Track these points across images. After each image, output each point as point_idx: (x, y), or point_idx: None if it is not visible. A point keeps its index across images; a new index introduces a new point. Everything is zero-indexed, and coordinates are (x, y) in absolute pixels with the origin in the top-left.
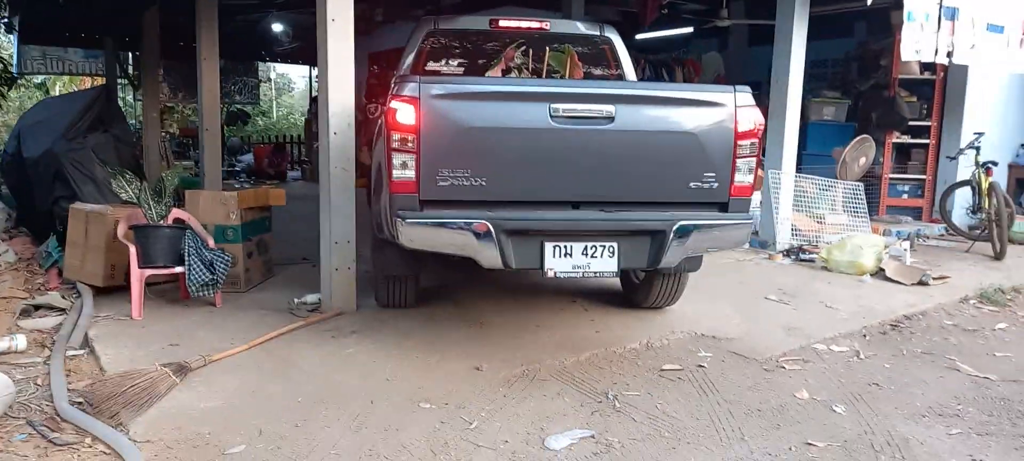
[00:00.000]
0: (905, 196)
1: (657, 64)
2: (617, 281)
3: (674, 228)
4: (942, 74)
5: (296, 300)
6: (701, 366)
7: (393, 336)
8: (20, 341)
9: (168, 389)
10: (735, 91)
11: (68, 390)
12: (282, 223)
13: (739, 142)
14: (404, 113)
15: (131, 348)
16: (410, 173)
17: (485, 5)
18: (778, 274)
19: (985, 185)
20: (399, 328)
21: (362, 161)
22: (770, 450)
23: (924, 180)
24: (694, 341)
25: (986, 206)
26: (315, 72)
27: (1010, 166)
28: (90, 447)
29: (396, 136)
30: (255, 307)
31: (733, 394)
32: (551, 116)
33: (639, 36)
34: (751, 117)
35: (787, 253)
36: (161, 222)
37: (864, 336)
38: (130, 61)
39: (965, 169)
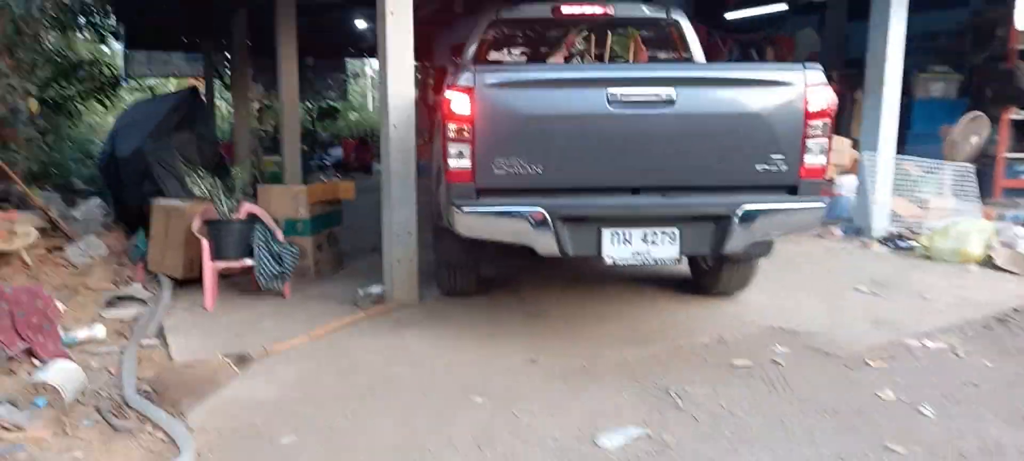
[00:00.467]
0: None
1: (746, 44)
2: (687, 268)
3: (739, 212)
4: None
5: (361, 291)
6: (775, 362)
7: (452, 328)
8: (100, 330)
9: (228, 379)
10: (805, 69)
11: (137, 379)
12: (358, 215)
13: (810, 122)
14: (459, 103)
15: (200, 338)
16: (466, 162)
17: None
18: (872, 263)
19: None
20: (459, 319)
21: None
22: (842, 453)
23: None
24: (770, 335)
25: None
26: None
27: None
28: (150, 434)
29: (452, 126)
30: (322, 298)
31: (808, 392)
32: (608, 101)
33: (729, 15)
34: (822, 96)
35: (884, 241)
36: (231, 217)
37: (963, 331)
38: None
39: None
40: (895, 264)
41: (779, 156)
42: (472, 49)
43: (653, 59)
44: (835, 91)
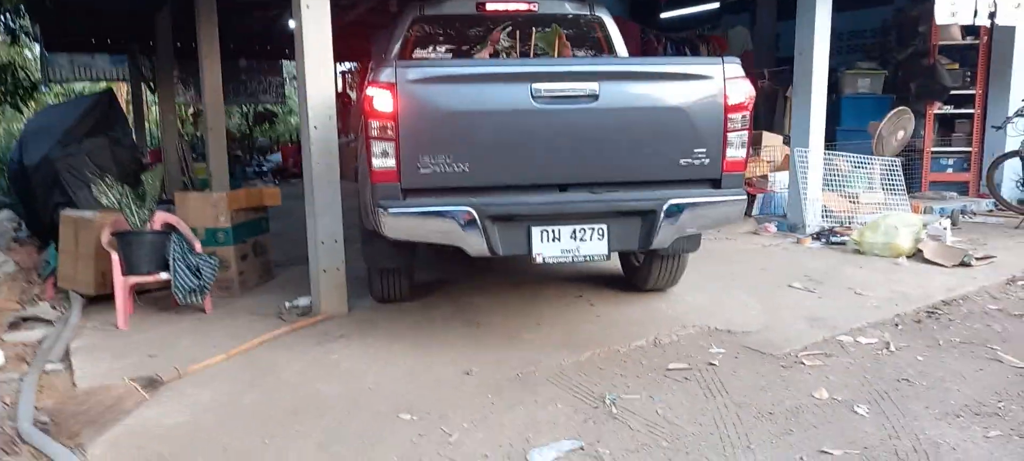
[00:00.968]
0: (950, 171)
1: (680, 43)
2: (619, 265)
3: (664, 207)
4: (986, 38)
5: (287, 304)
6: (712, 364)
7: (382, 339)
8: None
9: (136, 405)
10: (724, 62)
11: (36, 408)
12: (293, 222)
13: (730, 115)
14: (381, 100)
15: (108, 361)
16: (391, 161)
17: None
18: (806, 259)
19: None
20: (389, 330)
21: None
22: (778, 460)
23: (970, 152)
24: (707, 336)
25: None
26: (341, 69)
27: None
28: None
29: (375, 124)
30: (246, 313)
31: (743, 395)
32: (533, 96)
33: (664, 14)
34: (741, 89)
35: (817, 236)
36: (144, 227)
37: (896, 325)
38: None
39: (1014, 139)
40: (828, 259)
41: (701, 150)
42: (396, 47)
43: (578, 56)
44: (768, 89)
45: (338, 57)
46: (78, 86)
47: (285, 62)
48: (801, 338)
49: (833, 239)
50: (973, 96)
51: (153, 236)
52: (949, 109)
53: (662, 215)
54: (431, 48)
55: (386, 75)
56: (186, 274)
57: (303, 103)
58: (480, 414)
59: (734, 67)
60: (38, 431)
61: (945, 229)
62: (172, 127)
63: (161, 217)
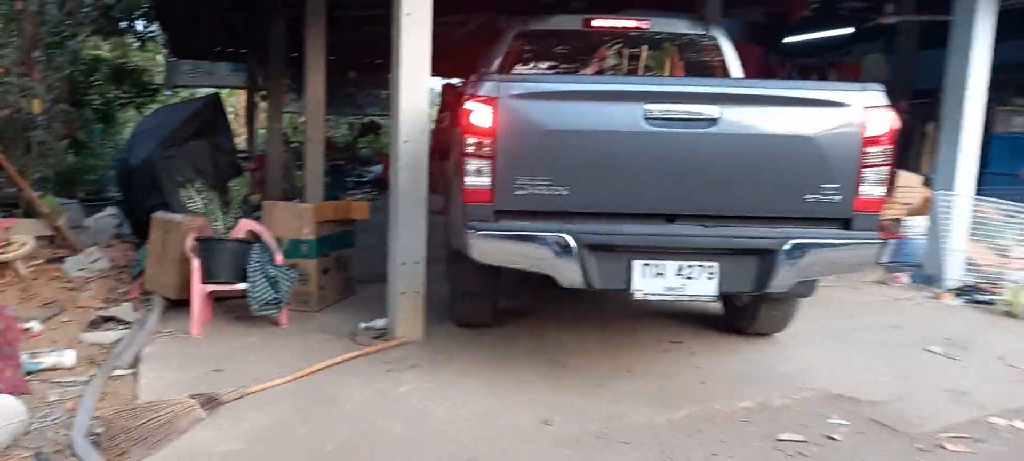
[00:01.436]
0: None
1: (807, 69)
2: (719, 304)
3: (786, 247)
4: None
5: (362, 324)
6: (832, 438)
7: (456, 374)
8: (69, 357)
9: (190, 425)
10: (864, 89)
11: (92, 419)
12: (384, 236)
13: (867, 149)
14: (480, 115)
15: (174, 371)
16: (485, 180)
17: (612, 6)
18: (946, 318)
19: None
20: (465, 364)
21: None
22: None
23: None
24: (825, 402)
25: None
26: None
27: None
28: None
29: (470, 140)
30: (320, 330)
31: None
32: (645, 118)
33: (789, 40)
34: (882, 120)
35: (959, 292)
36: (226, 235)
37: None
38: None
39: None
40: (972, 321)
41: (831, 186)
42: (497, 62)
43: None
44: (904, 123)
45: (446, 74)
46: (202, 92)
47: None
48: (941, 416)
49: (978, 297)
50: None
51: (235, 244)
52: None
53: (782, 255)
54: (533, 65)
55: (487, 89)
56: (264, 285)
57: (395, 115)
58: None
59: (876, 95)
60: (87, 444)
61: None
62: (278, 135)
63: (246, 225)
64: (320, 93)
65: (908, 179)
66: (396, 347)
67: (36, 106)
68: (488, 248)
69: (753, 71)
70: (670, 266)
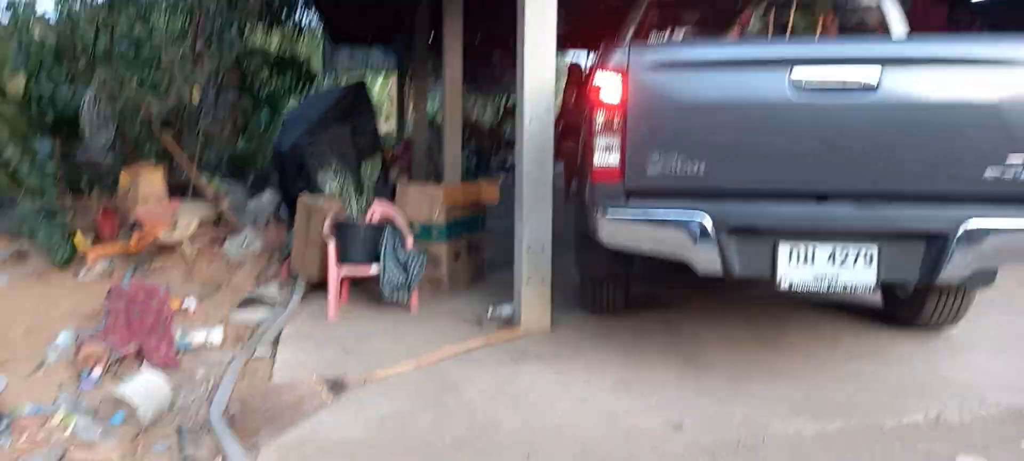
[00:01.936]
0: None
1: (1002, 25)
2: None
3: (961, 230)
4: None
5: (490, 311)
6: None
7: (582, 367)
8: (217, 335)
9: (315, 408)
10: None
11: (231, 398)
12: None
13: None
14: (609, 87)
15: (307, 352)
16: (615, 158)
17: None
18: None
19: None
20: (593, 356)
21: None
22: None
23: None
24: (1015, 420)
25: None
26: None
27: None
28: None
29: (600, 115)
30: (448, 315)
31: None
32: (791, 85)
33: None
34: None
35: None
36: (359, 218)
37: None
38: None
39: None
40: None
41: (1020, 158)
42: (631, 30)
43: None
44: None
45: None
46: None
47: None
48: None
49: None
50: None
51: (367, 228)
52: None
53: (956, 240)
54: (670, 32)
55: (616, 59)
56: (395, 269)
57: (520, 94)
58: None
59: None
60: (222, 423)
61: None
62: (424, 118)
63: (379, 208)
64: (458, 74)
65: None
66: (522, 337)
67: (195, 95)
68: (618, 231)
69: (935, 30)
70: (821, 251)
